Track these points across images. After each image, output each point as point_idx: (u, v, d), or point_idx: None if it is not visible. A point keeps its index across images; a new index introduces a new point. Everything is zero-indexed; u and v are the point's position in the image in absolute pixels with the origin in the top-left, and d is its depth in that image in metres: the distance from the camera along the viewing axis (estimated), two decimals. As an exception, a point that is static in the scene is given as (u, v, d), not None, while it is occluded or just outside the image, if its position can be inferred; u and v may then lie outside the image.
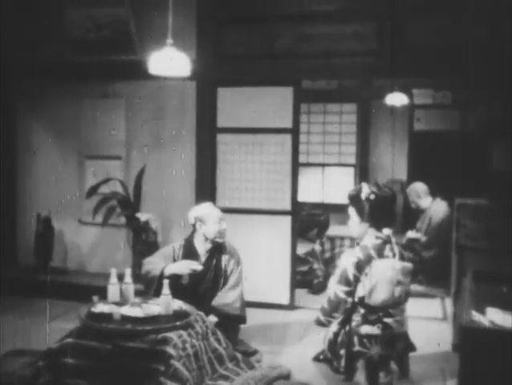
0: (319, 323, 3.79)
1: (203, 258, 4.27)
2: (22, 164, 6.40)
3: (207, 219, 4.22)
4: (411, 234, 6.24)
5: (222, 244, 4.30)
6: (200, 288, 4.20)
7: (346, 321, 3.67)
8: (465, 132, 7.86)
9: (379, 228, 3.70)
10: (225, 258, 4.29)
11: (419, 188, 6.41)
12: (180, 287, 4.06)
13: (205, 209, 4.28)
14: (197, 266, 4.12)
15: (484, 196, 4.83)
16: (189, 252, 4.28)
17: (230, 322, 4.20)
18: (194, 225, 4.28)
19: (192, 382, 3.30)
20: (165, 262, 4.18)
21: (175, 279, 4.03)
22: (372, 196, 3.67)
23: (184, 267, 4.10)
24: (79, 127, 6.19)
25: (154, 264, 4.19)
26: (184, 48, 4.21)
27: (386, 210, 3.72)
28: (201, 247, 4.28)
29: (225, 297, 4.19)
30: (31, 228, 6.19)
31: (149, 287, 4.10)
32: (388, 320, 3.59)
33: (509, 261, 3.98)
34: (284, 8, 5.41)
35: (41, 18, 6.02)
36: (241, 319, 4.28)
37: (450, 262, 4.98)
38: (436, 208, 6.27)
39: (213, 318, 4.09)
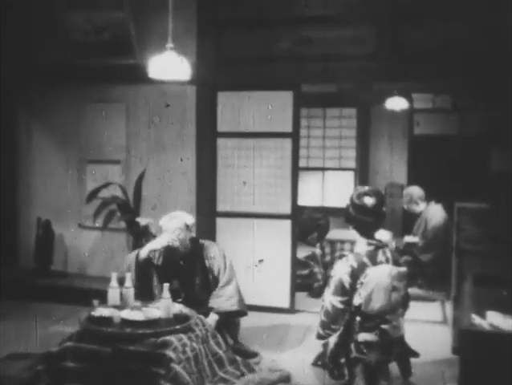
0: (320, 337, 3.75)
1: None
2: (23, 168, 6.41)
3: (164, 230, 4.18)
4: (408, 238, 6.24)
5: (202, 245, 4.27)
6: (192, 289, 4.18)
7: (347, 332, 3.63)
8: (465, 136, 7.88)
9: (367, 234, 3.69)
10: (207, 258, 4.24)
11: (413, 192, 6.37)
12: (174, 293, 4.03)
13: (168, 223, 4.19)
14: (174, 241, 4.08)
15: (484, 199, 4.84)
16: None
17: (231, 318, 4.21)
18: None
19: (192, 386, 3.30)
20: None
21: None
22: (350, 207, 3.68)
23: (162, 240, 4.07)
24: (79, 132, 6.20)
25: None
26: (184, 52, 4.23)
27: (366, 218, 3.66)
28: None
29: (220, 296, 4.15)
30: (32, 232, 6.20)
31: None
32: (384, 326, 3.58)
33: (509, 264, 3.97)
34: (284, 12, 5.41)
35: (40, 20, 6.03)
36: (241, 313, 4.27)
37: (449, 265, 4.98)
38: (431, 212, 6.26)
39: (213, 316, 4.09)
